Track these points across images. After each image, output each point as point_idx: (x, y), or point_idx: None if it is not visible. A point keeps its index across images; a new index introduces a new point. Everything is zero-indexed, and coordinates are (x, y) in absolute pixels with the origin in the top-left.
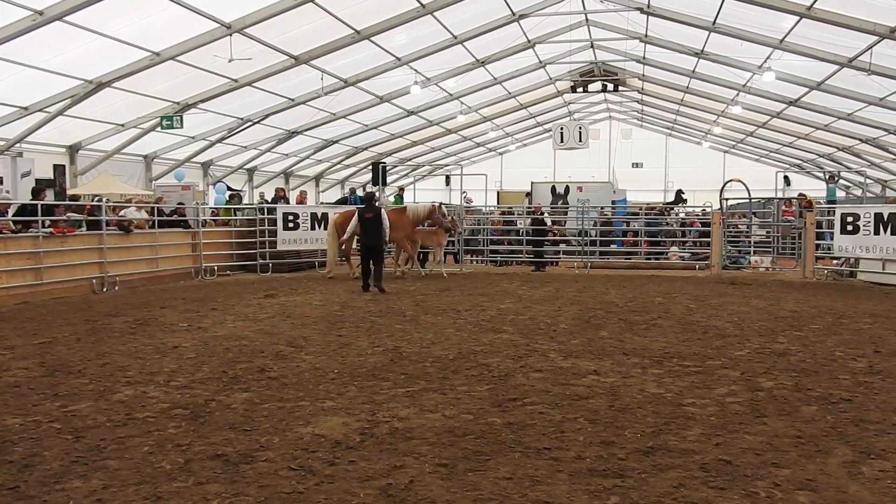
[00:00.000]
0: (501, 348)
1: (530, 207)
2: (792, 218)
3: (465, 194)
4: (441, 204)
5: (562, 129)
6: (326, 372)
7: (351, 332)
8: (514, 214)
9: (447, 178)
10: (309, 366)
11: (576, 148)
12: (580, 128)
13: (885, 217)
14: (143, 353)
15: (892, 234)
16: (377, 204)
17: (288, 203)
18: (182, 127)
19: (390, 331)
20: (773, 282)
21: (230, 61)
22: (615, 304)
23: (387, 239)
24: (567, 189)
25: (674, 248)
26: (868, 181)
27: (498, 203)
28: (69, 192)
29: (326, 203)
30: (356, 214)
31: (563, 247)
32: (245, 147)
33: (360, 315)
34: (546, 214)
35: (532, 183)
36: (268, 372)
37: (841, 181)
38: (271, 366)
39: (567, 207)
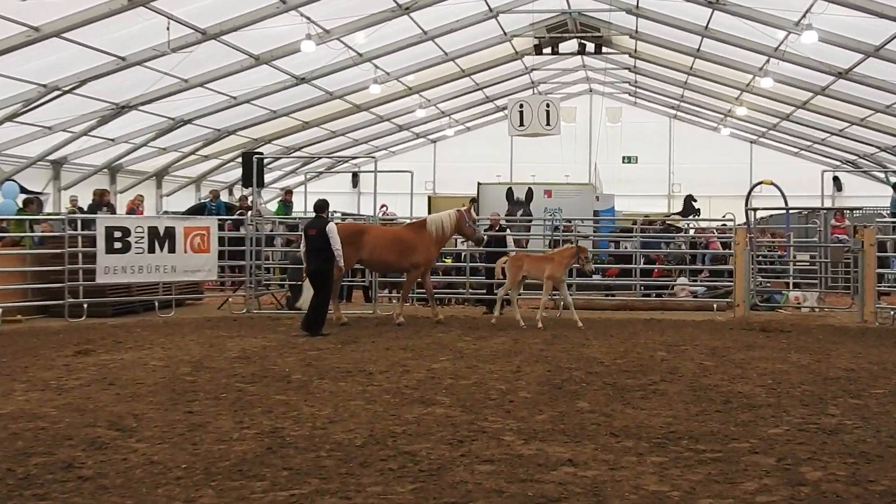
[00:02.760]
0: (433, 428)
1: (479, 218)
2: (845, 237)
3: (383, 208)
4: (471, 206)
5: (521, 106)
6: (169, 468)
7: (208, 406)
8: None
9: (355, 176)
10: (142, 459)
11: (542, 134)
12: (548, 105)
13: None
14: None
15: None
16: (326, 216)
17: (114, 212)
18: None
19: (267, 404)
20: (820, 327)
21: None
22: (598, 362)
23: (340, 264)
24: (530, 193)
25: (682, 280)
26: None
27: (430, 213)
28: None
29: (174, 213)
30: (304, 230)
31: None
32: (49, 128)
33: (221, 381)
34: (508, 231)
35: (479, 185)
36: (78, 469)
37: None
38: (83, 459)
39: (530, 220)
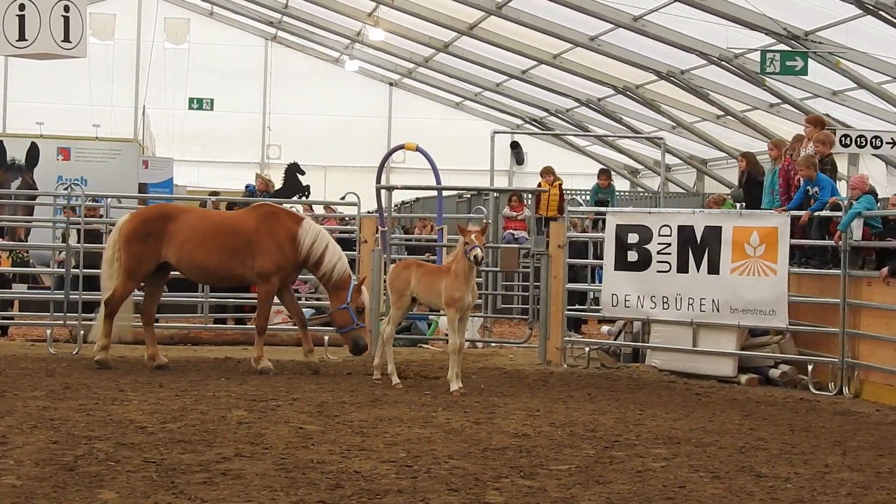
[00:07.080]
0: None
1: None
2: (523, 234)
3: None
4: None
5: (21, 8)
6: None
7: None
8: None
9: None
10: None
11: (55, 56)
12: (66, 9)
13: (699, 235)
14: None
15: (710, 270)
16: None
17: None
18: None
19: None
20: (482, 372)
21: None
22: (138, 426)
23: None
24: (33, 153)
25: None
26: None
27: None
28: None
29: None
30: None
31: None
32: None
33: None
34: None
35: None
36: None
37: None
38: None
39: (35, 195)
